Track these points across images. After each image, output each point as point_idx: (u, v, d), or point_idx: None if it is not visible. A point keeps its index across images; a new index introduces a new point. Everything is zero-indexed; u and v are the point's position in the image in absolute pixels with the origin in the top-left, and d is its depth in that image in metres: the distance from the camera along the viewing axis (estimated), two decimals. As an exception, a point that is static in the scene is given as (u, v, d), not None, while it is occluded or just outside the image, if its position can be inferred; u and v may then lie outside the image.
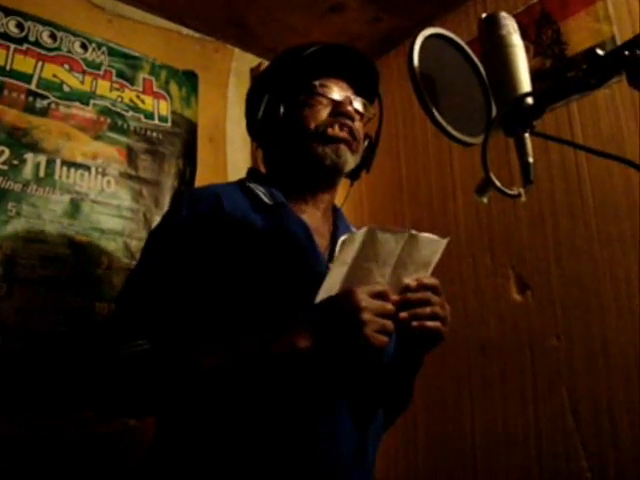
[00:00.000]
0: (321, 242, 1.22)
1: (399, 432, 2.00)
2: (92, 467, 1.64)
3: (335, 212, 1.36)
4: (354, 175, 1.34)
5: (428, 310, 1.04)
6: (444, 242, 1.08)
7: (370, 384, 1.17)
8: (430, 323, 1.04)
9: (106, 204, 1.89)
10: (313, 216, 1.27)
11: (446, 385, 1.97)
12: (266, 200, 1.21)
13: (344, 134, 1.23)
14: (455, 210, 2.10)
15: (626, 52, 0.70)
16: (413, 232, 1.03)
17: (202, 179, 2.13)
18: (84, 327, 1.73)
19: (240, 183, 1.29)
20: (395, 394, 1.27)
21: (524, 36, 1.78)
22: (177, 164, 2.10)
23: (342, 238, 1.22)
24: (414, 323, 1.03)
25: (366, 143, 1.34)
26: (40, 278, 1.70)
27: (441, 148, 2.18)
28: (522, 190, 0.81)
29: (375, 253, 1.02)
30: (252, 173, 1.36)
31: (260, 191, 1.23)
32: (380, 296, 1.00)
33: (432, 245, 1.07)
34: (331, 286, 1.01)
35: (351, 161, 1.26)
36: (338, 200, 1.39)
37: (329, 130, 1.22)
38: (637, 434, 1.50)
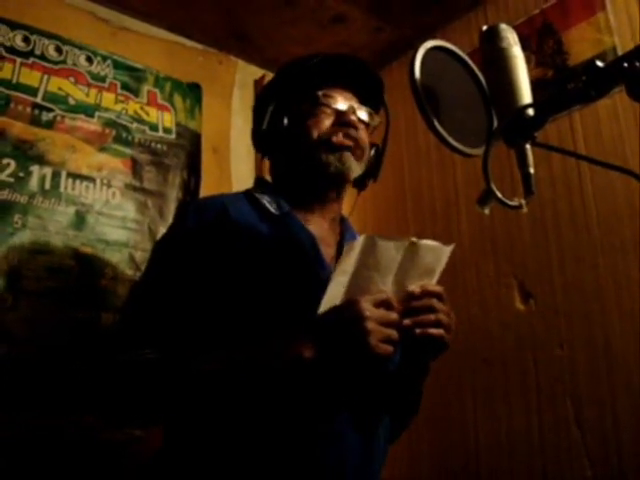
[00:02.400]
0: (327, 252, 1.22)
1: (402, 442, 1.99)
2: (92, 471, 1.64)
3: (342, 222, 1.36)
4: (361, 184, 1.34)
5: (432, 317, 1.04)
6: (448, 249, 1.08)
7: (375, 394, 1.17)
8: (433, 330, 1.04)
9: (111, 216, 1.90)
10: (320, 226, 1.27)
11: (449, 394, 1.97)
12: (272, 210, 1.21)
13: (348, 142, 1.23)
14: (458, 219, 2.11)
15: (625, 64, 0.71)
16: (414, 239, 1.03)
17: (206, 190, 2.14)
18: (90, 337, 1.74)
19: (246, 193, 1.29)
20: (401, 403, 1.27)
21: (526, 46, 1.78)
22: (181, 175, 2.12)
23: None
24: (417, 330, 1.02)
25: (372, 152, 1.34)
26: (46, 289, 1.71)
27: (444, 158, 2.19)
28: (523, 201, 0.82)
29: (376, 261, 1.01)
30: (259, 183, 1.37)
31: (266, 201, 1.23)
32: (384, 305, 1.00)
33: (434, 252, 1.07)
34: (333, 296, 1.01)
35: (356, 168, 1.26)
36: (345, 210, 1.39)
37: (333, 138, 1.22)
38: (642, 443, 1.50)
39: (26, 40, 1.87)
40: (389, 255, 1.02)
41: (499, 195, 0.81)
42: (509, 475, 1.76)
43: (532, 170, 0.82)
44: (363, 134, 1.28)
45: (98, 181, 1.90)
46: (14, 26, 1.86)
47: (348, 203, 1.39)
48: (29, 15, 1.90)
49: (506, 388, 1.83)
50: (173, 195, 2.07)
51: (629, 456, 1.52)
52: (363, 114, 1.30)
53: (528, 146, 0.82)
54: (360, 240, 0.99)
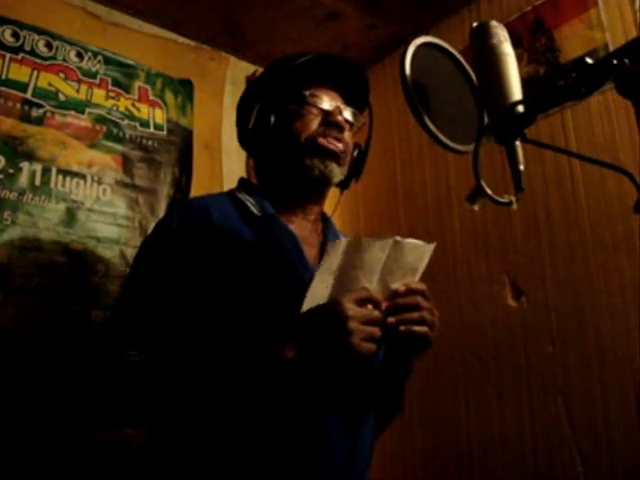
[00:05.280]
0: (310, 252, 1.23)
1: (395, 439, 2.00)
2: (87, 470, 1.64)
3: (325, 222, 1.36)
4: (344, 185, 1.35)
5: (416, 315, 1.05)
6: (430, 248, 1.09)
7: (359, 391, 1.17)
8: (417, 328, 1.04)
9: (102, 212, 1.89)
10: (302, 226, 1.28)
11: (442, 391, 1.97)
12: (255, 211, 1.22)
13: (334, 146, 1.24)
14: (450, 217, 2.11)
15: (614, 61, 0.71)
16: (398, 238, 1.04)
17: (198, 187, 2.13)
18: (80, 334, 1.73)
19: (230, 194, 1.29)
20: (385, 400, 1.27)
21: (518, 43, 1.78)
22: (173, 172, 2.11)
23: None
24: (401, 328, 1.03)
25: (355, 153, 1.34)
26: (36, 286, 1.70)
27: (436, 155, 2.18)
28: (514, 198, 0.82)
29: (361, 260, 1.02)
30: (242, 183, 1.37)
31: (249, 202, 1.24)
32: (367, 302, 1.01)
33: (417, 251, 1.08)
34: (317, 294, 1.02)
35: (339, 174, 1.27)
36: (328, 209, 1.39)
37: (320, 139, 1.23)
38: (632, 440, 1.50)
39: (15, 35, 1.85)
40: (374, 254, 1.03)
41: (489, 192, 0.81)
42: (501, 471, 1.77)
43: (522, 167, 0.82)
44: (348, 135, 1.29)
45: (89, 178, 1.89)
46: (3, 21, 1.84)
47: (332, 202, 1.39)
48: (18, 10, 1.88)
49: (498, 385, 1.83)
50: (164, 192, 2.06)
51: (620, 453, 1.52)
52: (348, 114, 1.30)
53: (518, 143, 0.82)
54: (345, 240, 1.01)
